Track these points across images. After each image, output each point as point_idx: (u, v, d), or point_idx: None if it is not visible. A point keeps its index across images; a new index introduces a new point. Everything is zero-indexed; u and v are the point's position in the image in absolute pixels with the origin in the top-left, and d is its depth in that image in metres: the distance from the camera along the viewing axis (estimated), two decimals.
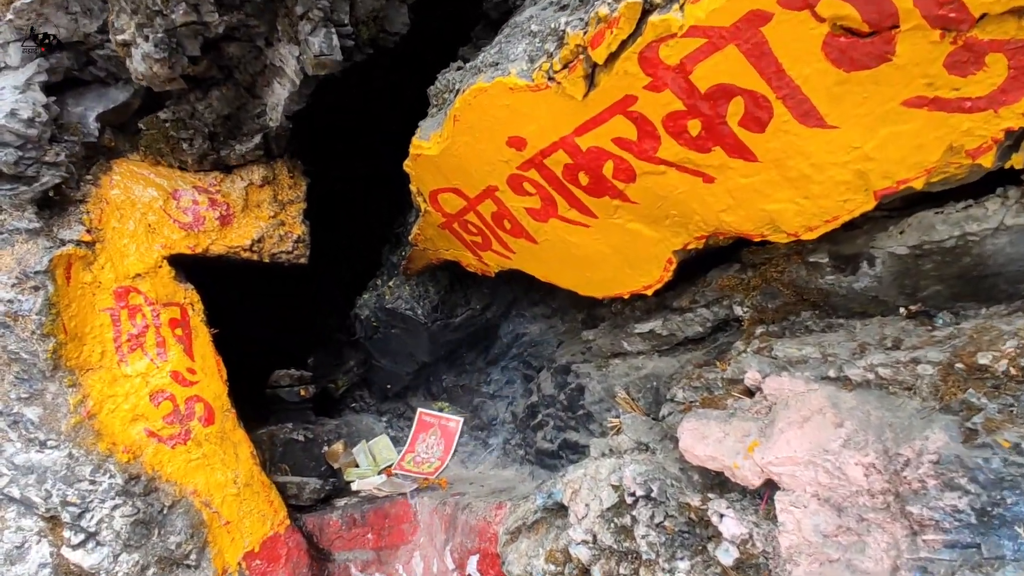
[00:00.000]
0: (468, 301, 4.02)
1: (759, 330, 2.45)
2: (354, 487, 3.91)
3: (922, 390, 1.82)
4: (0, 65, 2.80)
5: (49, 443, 2.68)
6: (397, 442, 4.54)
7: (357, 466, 4.28)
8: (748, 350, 2.42)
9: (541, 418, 3.71)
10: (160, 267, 3.18)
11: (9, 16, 2.61)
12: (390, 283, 4.01)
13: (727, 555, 2.06)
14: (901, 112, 1.51)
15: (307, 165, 3.78)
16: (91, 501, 2.64)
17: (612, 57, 1.79)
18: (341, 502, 3.73)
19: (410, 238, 3.30)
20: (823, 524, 1.89)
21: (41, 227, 2.82)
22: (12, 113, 2.60)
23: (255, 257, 3.47)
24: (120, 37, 2.65)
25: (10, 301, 2.68)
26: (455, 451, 4.29)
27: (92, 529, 2.62)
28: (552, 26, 2.06)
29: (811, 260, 2.22)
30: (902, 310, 2.05)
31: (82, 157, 3.02)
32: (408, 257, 3.54)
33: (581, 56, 1.87)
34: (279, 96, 3.17)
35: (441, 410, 4.52)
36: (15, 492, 2.56)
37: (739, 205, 1.97)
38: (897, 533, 1.76)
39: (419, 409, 4.56)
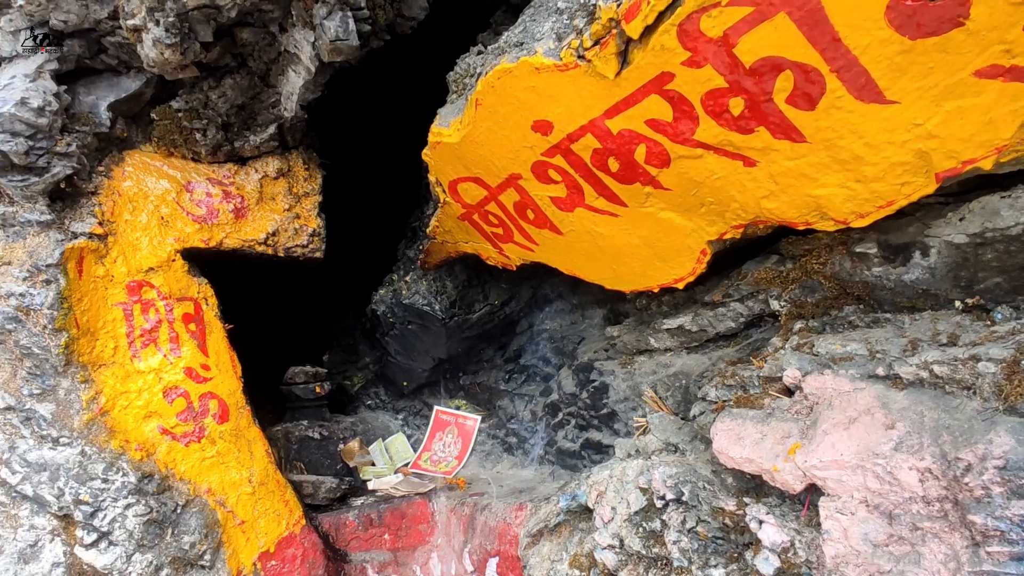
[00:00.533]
0: (486, 297, 3.91)
1: (798, 325, 2.32)
2: (371, 486, 3.82)
3: (983, 390, 1.68)
4: (11, 53, 2.74)
5: (62, 440, 2.62)
6: (413, 440, 4.45)
7: (373, 464, 4.20)
8: (786, 347, 2.28)
9: (562, 417, 3.60)
10: (174, 261, 3.11)
11: (20, 2, 2.54)
12: (407, 278, 3.92)
13: (767, 564, 1.94)
14: (972, 84, 1.37)
15: (322, 157, 3.70)
16: (104, 500, 2.58)
17: (648, 31, 1.67)
18: (357, 501, 3.64)
19: (428, 231, 3.20)
20: (872, 532, 1.76)
21: (53, 219, 2.76)
22: (22, 102, 2.54)
23: (270, 251, 3.39)
24: (131, 22, 2.57)
25: (22, 295, 2.62)
26: (473, 450, 4.19)
27: (105, 528, 2.55)
28: (582, 1, 1.94)
29: (857, 250, 2.08)
30: (958, 304, 1.91)
31: (94, 148, 2.95)
32: (426, 250, 3.44)
33: (614, 31, 1.75)
34: (294, 85, 3.08)
35: (458, 408, 4.43)
36: (28, 490, 2.50)
37: (783, 191, 1.83)
38: (956, 544, 1.63)
39: (436, 407, 4.47)
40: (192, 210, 3.20)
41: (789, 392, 2.18)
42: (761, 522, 1.97)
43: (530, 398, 4.03)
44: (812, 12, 1.41)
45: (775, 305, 2.45)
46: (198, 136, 3.15)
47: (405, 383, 4.48)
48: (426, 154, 2.65)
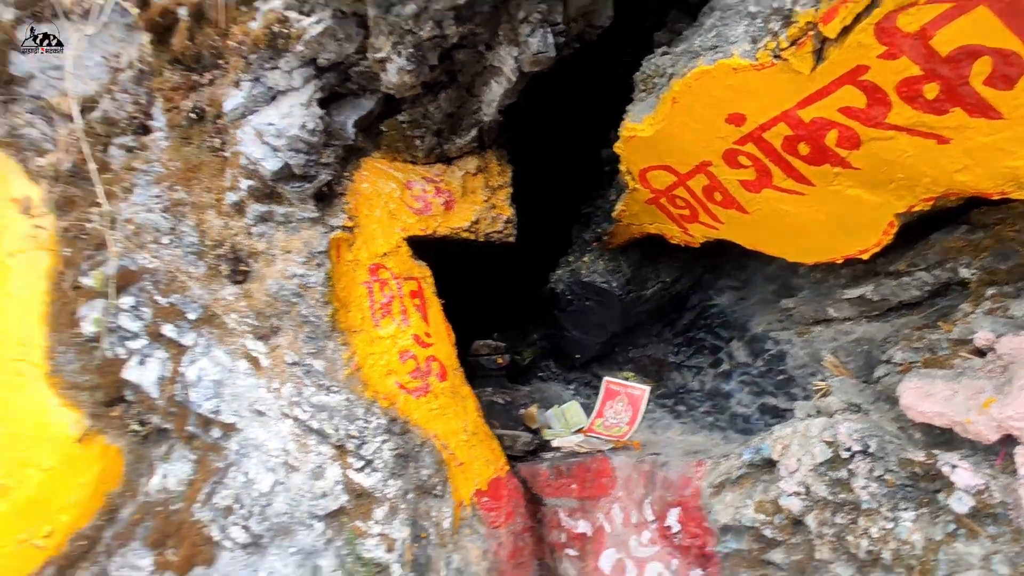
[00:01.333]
0: (658, 275, 4.24)
1: (990, 291, 2.42)
2: (555, 443, 4.33)
3: None
4: (287, 88, 3.51)
5: (332, 389, 3.36)
6: (586, 408, 4.89)
7: (550, 428, 4.70)
8: (977, 311, 2.40)
9: (734, 385, 3.85)
10: (400, 247, 3.77)
11: (299, 47, 3.27)
12: (584, 258, 4.35)
13: (961, 504, 2.11)
14: None
15: (509, 153, 4.22)
16: (366, 435, 3.28)
17: (845, 31, 1.91)
18: (548, 455, 4.16)
19: (614, 214, 3.59)
20: None
21: (319, 216, 3.50)
22: (303, 126, 3.27)
23: (472, 237, 3.97)
24: (378, 55, 3.20)
25: (302, 276, 3.38)
26: (642, 417, 4.55)
27: (369, 457, 3.25)
28: (775, 6, 2.21)
29: None
30: None
31: (342, 157, 3.66)
32: (611, 232, 3.84)
33: (810, 32, 2.01)
34: (495, 93, 3.60)
35: (627, 379, 4.80)
36: (315, 425, 3.25)
37: (977, 164, 1.98)
38: None
39: (605, 378, 4.86)
40: (412, 204, 3.85)
41: (981, 353, 2.30)
42: (954, 466, 2.15)
43: (699, 369, 4.31)
44: (1013, 3, 1.59)
45: (964, 273, 2.55)
46: (417, 142, 3.78)
47: (578, 356, 4.94)
48: (618, 147, 3.02)
